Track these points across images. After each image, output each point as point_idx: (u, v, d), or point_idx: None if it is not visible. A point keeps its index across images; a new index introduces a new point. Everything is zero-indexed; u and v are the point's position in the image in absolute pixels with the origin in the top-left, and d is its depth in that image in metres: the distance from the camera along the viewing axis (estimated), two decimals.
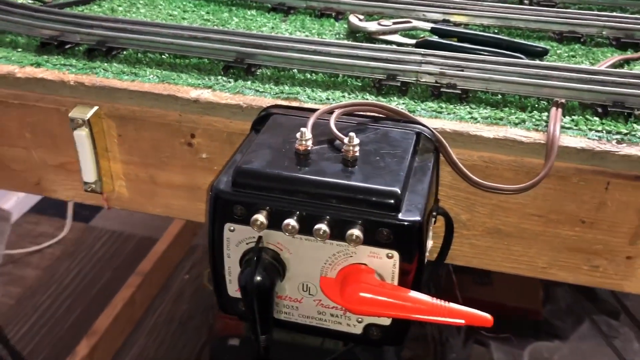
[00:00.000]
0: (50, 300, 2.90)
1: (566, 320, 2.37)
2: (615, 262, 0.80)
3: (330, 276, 0.67)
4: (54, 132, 0.95)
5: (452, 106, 0.83)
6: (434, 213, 0.78)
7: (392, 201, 0.64)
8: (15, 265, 3.11)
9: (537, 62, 0.91)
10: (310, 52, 0.92)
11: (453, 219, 0.82)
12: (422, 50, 0.92)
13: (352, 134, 0.68)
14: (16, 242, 3.22)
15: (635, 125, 0.78)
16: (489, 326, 0.62)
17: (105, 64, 0.95)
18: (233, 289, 0.72)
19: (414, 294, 0.63)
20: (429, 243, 0.75)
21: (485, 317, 0.62)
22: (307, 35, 1.08)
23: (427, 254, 0.75)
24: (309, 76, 0.92)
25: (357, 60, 0.89)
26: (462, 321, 0.62)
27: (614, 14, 1.10)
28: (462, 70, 0.86)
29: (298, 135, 0.68)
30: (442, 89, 0.85)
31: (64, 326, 2.75)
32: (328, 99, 0.86)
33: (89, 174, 0.93)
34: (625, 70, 0.90)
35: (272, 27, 1.11)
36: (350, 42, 0.96)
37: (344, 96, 0.87)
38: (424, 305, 0.62)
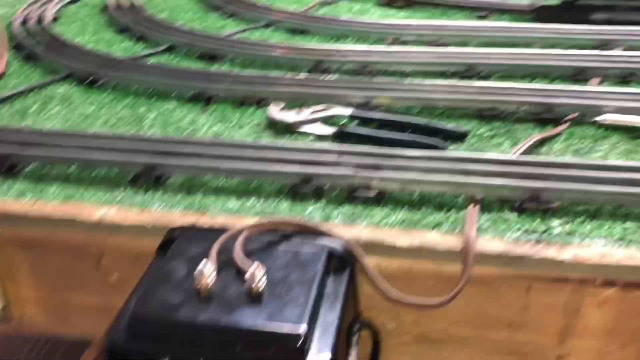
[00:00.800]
0: None
1: None
2: None
3: None
4: None
5: (367, 210, 0.81)
6: (357, 326, 0.74)
7: (298, 343, 0.60)
8: None
9: (454, 153, 0.89)
10: (222, 157, 0.88)
11: (380, 329, 0.79)
12: (337, 147, 0.89)
13: (255, 265, 0.64)
14: None
15: (552, 220, 0.77)
16: None
17: (7, 183, 0.89)
18: None
19: None
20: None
21: None
22: (227, 127, 1.05)
23: None
24: (222, 183, 0.88)
25: (271, 165, 0.86)
26: None
27: (533, 86, 1.10)
28: (378, 170, 0.84)
29: (197, 272, 0.64)
30: (357, 191, 0.82)
31: None
32: (241, 209, 0.83)
33: None
34: (540, 158, 0.89)
35: (191, 121, 1.08)
36: (264, 143, 0.93)
37: (257, 203, 0.83)
38: None
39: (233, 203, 0.82)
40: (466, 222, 0.75)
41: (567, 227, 0.75)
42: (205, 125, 1.05)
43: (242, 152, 0.87)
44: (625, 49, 1.27)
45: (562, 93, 1.06)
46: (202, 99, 1.15)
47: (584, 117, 1.01)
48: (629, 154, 0.92)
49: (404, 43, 1.39)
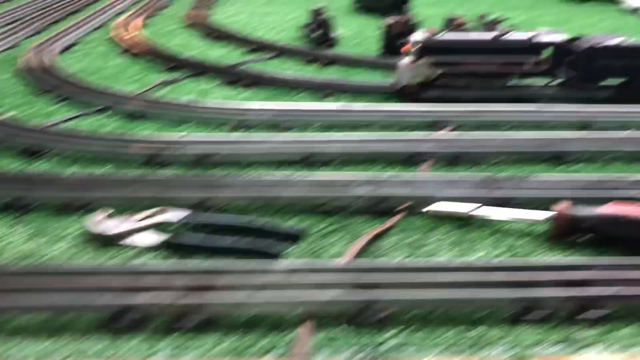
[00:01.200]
0: None
1: None
2: None
3: None
4: None
5: (195, 339, 0.74)
6: None
7: None
8: None
9: (287, 264, 0.87)
10: (27, 290, 0.77)
11: None
12: (162, 267, 0.83)
13: None
14: None
15: (385, 331, 0.75)
16: None
17: None
18: None
19: None
20: None
21: None
22: (43, 242, 0.94)
23: None
24: (26, 321, 0.77)
25: (84, 295, 0.77)
26: None
27: (367, 176, 1.11)
28: (207, 291, 0.78)
29: None
30: (185, 318, 0.75)
31: None
32: (48, 353, 0.72)
33: None
34: (372, 262, 0.89)
35: (1, 236, 0.96)
36: (77, 268, 0.84)
37: (68, 343, 0.74)
38: None
39: (39, 346, 0.71)
40: (298, 344, 0.71)
41: (400, 337, 0.74)
42: (16, 241, 0.93)
43: (51, 281, 0.77)
44: (453, 129, 1.35)
45: (395, 183, 1.08)
46: (17, 208, 1.03)
47: (416, 207, 1.04)
48: (458, 245, 0.95)
49: (247, 127, 1.37)
